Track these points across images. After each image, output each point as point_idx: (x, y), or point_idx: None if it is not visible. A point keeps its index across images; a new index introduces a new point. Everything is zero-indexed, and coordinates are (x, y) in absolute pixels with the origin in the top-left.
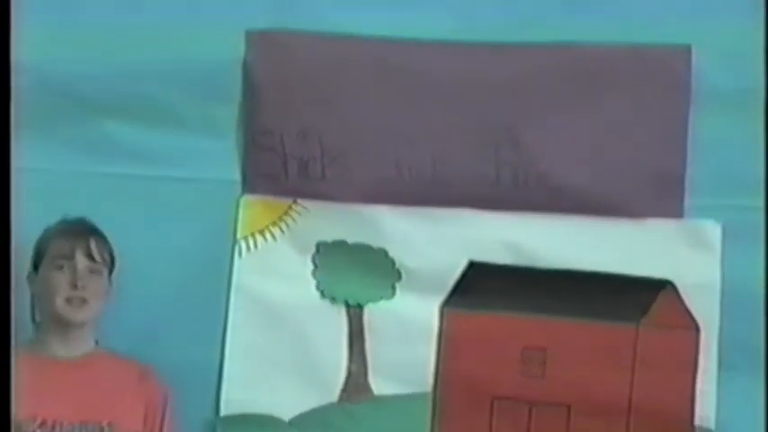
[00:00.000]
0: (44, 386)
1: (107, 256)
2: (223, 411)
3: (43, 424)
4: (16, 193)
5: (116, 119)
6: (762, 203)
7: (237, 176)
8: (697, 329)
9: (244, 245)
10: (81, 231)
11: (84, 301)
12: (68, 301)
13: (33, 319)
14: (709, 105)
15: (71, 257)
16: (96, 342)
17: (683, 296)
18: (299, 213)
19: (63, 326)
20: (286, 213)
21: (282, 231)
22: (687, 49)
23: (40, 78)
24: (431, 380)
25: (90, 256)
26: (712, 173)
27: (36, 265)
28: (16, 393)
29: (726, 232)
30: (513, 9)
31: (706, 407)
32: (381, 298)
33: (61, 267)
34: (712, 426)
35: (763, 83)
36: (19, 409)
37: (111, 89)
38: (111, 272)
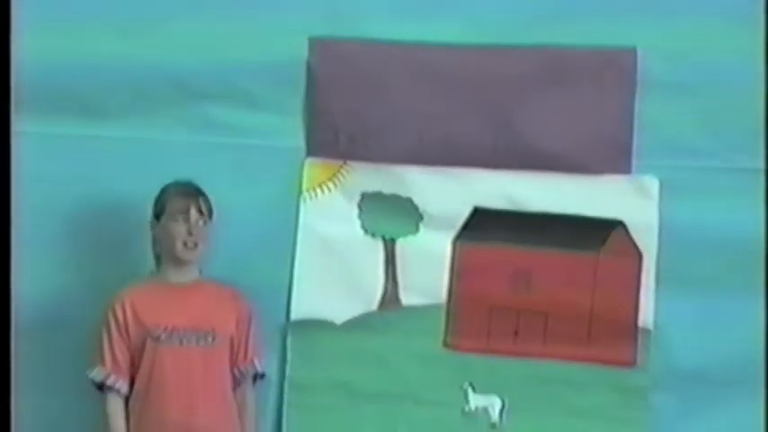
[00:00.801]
0: (165, 304)
1: (209, 211)
2: (292, 317)
3: (165, 329)
4: (132, 158)
5: (212, 102)
6: (691, 164)
7: (302, 144)
8: (640, 257)
9: (307, 195)
10: (193, 192)
11: (195, 245)
12: (185, 244)
13: (155, 255)
14: (650, 92)
15: (186, 212)
16: (200, 272)
17: (631, 232)
18: (348, 172)
19: (179, 263)
20: (338, 171)
21: (336, 185)
22: (634, 51)
23: (158, 72)
24: (445, 294)
25: (200, 212)
26: (652, 141)
27: (158, 216)
28: (147, 309)
29: (662, 185)
30: (505, 22)
31: (647, 313)
32: (409, 234)
33: (178, 220)
34: (651, 327)
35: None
36: (148, 319)
37: (208, 80)
38: (210, 221)
